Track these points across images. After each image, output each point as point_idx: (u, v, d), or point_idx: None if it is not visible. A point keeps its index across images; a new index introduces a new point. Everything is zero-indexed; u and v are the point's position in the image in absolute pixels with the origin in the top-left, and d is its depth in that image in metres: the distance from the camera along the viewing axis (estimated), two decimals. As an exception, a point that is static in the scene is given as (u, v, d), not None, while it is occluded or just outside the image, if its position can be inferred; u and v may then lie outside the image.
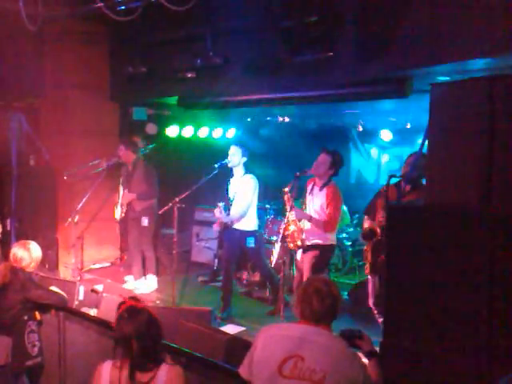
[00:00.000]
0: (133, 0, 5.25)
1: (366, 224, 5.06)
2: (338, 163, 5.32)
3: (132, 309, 2.55)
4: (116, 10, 5.39)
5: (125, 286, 6.91)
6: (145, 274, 6.93)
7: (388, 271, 3.04)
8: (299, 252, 5.46)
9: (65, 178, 6.84)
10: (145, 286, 6.81)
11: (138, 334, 2.47)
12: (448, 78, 4.60)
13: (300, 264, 5.49)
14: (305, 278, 5.17)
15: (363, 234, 4.99)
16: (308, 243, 5.32)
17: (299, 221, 5.36)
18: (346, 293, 6.26)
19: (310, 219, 5.30)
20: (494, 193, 2.67)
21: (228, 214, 5.95)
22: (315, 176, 5.40)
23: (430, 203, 2.97)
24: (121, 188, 6.93)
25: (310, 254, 5.30)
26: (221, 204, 6.00)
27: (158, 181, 6.89)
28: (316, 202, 5.36)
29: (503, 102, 2.74)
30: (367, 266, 4.95)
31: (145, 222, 6.80)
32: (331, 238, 5.39)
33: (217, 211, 6.00)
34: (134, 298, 2.66)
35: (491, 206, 2.65)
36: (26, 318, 4.05)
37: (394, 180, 4.48)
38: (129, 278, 7.09)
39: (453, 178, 2.88)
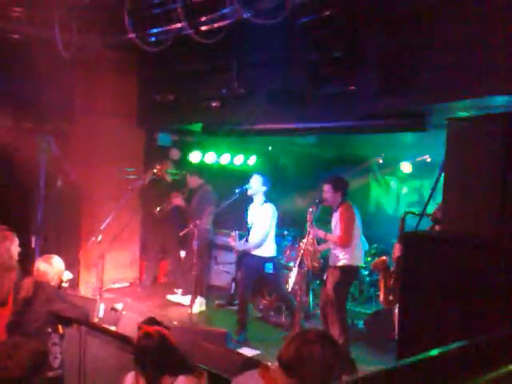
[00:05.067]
0: (163, 32, 5.51)
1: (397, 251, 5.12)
2: (340, 186, 5.60)
3: (147, 331, 2.72)
4: (147, 40, 5.67)
5: (170, 296, 7.31)
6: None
7: (402, 298, 3.12)
8: (326, 272, 5.66)
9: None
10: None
11: (151, 352, 2.64)
12: (467, 114, 4.72)
13: (324, 281, 5.68)
14: (329, 299, 5.44)
15: (374, 265, 5.11)
16: (330, 264, 5.55)
17: (318, 242, 5.59)
18: (361, 322, 6.31)
19: (325, 236, 5.55)
20: (506, 225, 2.76)
21: (245, 242, 6.10)
22: (330, 205, 5.71)
23: (444, 233, 3.06)
24: None
25: (332, 275, 5.50)
26: (235, 233, 6.17)
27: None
28: (333, 223, 5.63)
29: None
30: (381, 295, 5.01)
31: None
32: (353, 260, 5.53)
33: (231, 240, 6.18)
34: (152, 321, 2.82)
35: (504, 238, 2.74)
36: (49, 330, 4.18)
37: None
38: (178, 291, 7.46)
39: (467, 210, 2.98)
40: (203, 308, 7.09)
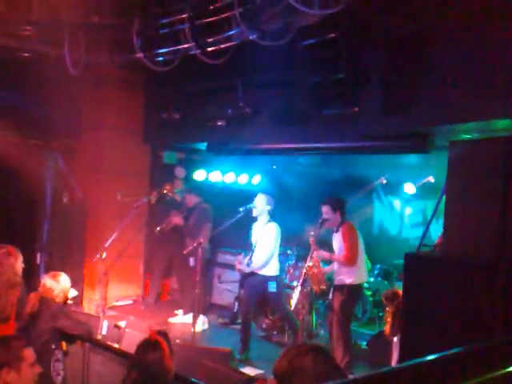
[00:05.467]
0: (171, 52, 5.61)
1: None
2: (337, 205, 5.65)
3: (150, 342, 2.72)
4: (154, 60, 5.76)
5: (172, 319, 7.28)
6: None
7: (404, 318, 3.13)
8: (331, 291, 5.68)
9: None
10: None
11: (141, 365, 2.64)
12: (469, 136, 4.77)
13: (331, 303, 5.69)
14: (335, 318, 5.46)
15: (385, 296, 4.99)
16: (335, 283, 5.59)
17: (323, 264, 5.65)
18: (364, 343, 6.28)
19: (330, 257, 5.60)
20: (506, 247, 2.78)
21: (249, 260, 6.11)
22: (330, 226, 5.75)
23: (445, 254, 3.09)
24: None
25: (338, 294, 5.54)
26: (241, 256, 6.20)
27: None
28: (335, 244, 5.67)
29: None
30: (387, 327, 4.93)
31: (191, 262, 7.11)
32: (357, 278, 5.58)
33: (237, 263, 6.21)
34: (162, 335, 2.83)
35: (504, 260, 2.77)
36: (53, 346, 4.19)
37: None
38: (179, 312, 7.43)
39: (468, 231, 3.01)
40: (206, 326, 7.09)
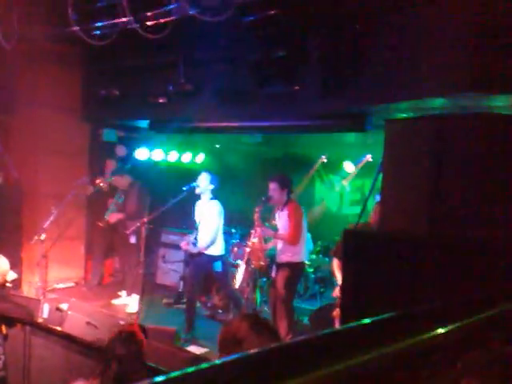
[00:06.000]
0: (108, 26, 5.43)
1: (335, 266, 5.22)
2: (285, 183, 5.69)
3: (132, 335, 2.68)
4: (91, 34, 5.57)
5: (115, 301, 7.18)
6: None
7: (343, 291, 3.23)
8: (274, 269, 5.74)
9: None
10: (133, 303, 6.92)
11: (122, 359, 2.59)
12: (405, 115, 4.91)
13: (273, 279, 5.74)
14: (279, 295, 5.53)
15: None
16: (279, 261, 5.64)
17: (265, 240, 5.63)
18: (306, 318, 6.45)
19: (275, 235, 5.65)
20: (439, 222, 2.91)
21: (194, 240, 6.11)
22: (276, 204, 5.79)
23: (381, 231, 3.19)
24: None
25: (282, 272, 5.61)
26: (188, 237, 6.18)
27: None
28: (280, 222, 5.72)
29: (451, 139, 3.00)
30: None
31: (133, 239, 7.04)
32: (301, 256, 5.68)
33: (185, 244, 6.18)
34: (139, 326, 2.79)
35: (434, 235, 2.89)
36: (-9, 330, 4.08)
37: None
38: (122, 294, 7.34)
39: (403, 208, 3.12)
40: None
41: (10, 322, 4.27)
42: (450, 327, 1.10)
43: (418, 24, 4.19)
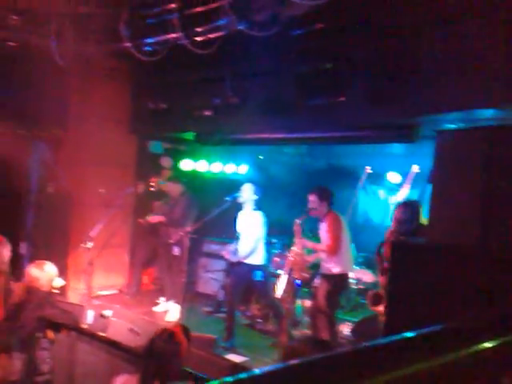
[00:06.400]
0: (159, 42, 5.58)
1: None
2: (325, 195, 5.68)
3: (173, 335, 2.75)
4: (142, 49, 5.74)
5: (156, 308, 7.28)
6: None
7: (389, 302, 3.20)
8: (317, 277, 5.76)
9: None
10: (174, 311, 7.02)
11: (161, 356, 2.65)
12: (455, 126, 4.84)
13: (315, 289, 5.74)
14: (320, 306, 5.52)
15: (371, 300, 5.03)
16: (322, 272, 5.65)
17: (309, 252, 5.71)
18: (348, 329, 6.38)
19: (313, 246, 5.68)
20: (491, 235, 2.86)
21: (236, 251, 6.17)
22: (317, 215, 5.78)
23: (431, 241, 3.16)
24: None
25: (323, 283, 5.61)
26: (229, 247, 6.23)
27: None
28: (322, 233, 5.72)
29: (504, 150, 2.95)
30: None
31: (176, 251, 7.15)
32: (343, 268, 5.64)
33: (226, 253, 6.24)
34: (183, 328, 2.86)
35: (488, 247, 2.84)
36: (39, 335, 4.20)
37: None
38: (161, 300, 7.46)
39: (453, 219, 3.07)
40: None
41: (56, 327, 4.38)
42: (496, 341, 1.08)
43: (467, 34, 4.15)
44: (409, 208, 4.52)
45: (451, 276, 2.95)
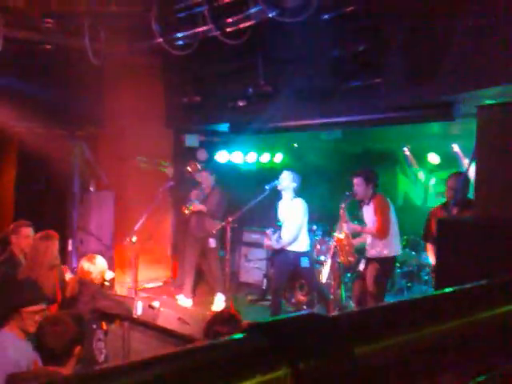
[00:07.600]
0: (190, 35, 5.63)
1: (430, 251, 5.35)
2: (370, 178, 5.64)
3: (233, 316, 2.84)
4: (173, 44, 5.81)
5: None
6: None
7: (437, 281, 3.19)
8: (362, 262, 5.72)
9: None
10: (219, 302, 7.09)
11: (220, 337, 2.73)
12: (494, 101, 4.74)
13: (362, 273, 5.73)
14: (369, 291, 5.54)
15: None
16: (369, 256, 5.62)
17: (352, 236, 5.64)
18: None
19: (362, 229, 5.62)
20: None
21: (278, 238, 6.17)
22: (361, 199, 5.75)
23: (477, 218, 3.13)
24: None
25: (372, 267, 5.58)
26: (269, 232, 6.23)
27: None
28: (367, 216, 5.67)
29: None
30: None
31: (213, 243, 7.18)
32: (392, 250, 5.62)
33: (266, 239, 6.25)
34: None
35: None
36: (94, 326, 4.35)
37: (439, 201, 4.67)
38: (179, 297, 7.39)
39: (499, 195, 3.03)
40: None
41: (110, 318, 4.53)
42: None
43: (504, 7, 4.05)
44: (462, 177, 4.52)
45: (498, 251, 2.92)
